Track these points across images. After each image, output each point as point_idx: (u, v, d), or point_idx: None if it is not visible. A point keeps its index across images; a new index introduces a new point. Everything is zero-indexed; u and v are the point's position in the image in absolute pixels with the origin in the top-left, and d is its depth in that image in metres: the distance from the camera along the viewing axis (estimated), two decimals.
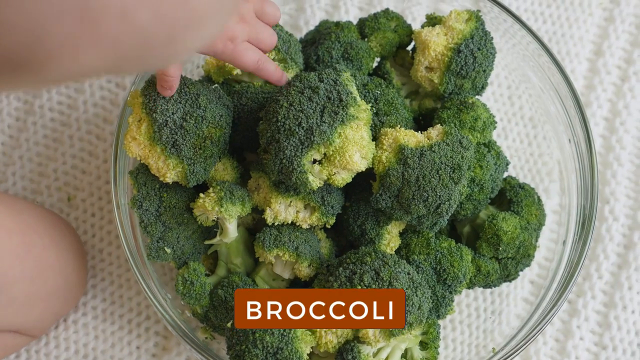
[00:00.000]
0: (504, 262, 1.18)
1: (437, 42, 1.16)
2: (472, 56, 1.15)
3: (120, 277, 1.30)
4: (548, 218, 1.27)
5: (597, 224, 1.34)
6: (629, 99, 1.38)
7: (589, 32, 1.42)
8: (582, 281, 1.31)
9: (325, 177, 1.06)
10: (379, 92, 1.14)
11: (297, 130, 1.03)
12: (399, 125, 1.13)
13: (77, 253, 1.24)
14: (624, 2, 1.42)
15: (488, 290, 1.29)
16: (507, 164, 1.20)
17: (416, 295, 1.07)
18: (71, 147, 1.34)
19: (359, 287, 1.05)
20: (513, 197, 1.20)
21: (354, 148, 1.04)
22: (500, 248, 1.16)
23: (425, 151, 1.07)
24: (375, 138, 1.12)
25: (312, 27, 1.37)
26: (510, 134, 1.36)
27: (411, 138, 1.09)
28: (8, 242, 1.07)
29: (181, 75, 1.10)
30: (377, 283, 1.06)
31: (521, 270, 1.20)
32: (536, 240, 1.20)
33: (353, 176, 1.07)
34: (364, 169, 1.06)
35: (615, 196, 1.34)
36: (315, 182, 1.06)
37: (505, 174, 1.33)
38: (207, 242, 1.14)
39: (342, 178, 1.06)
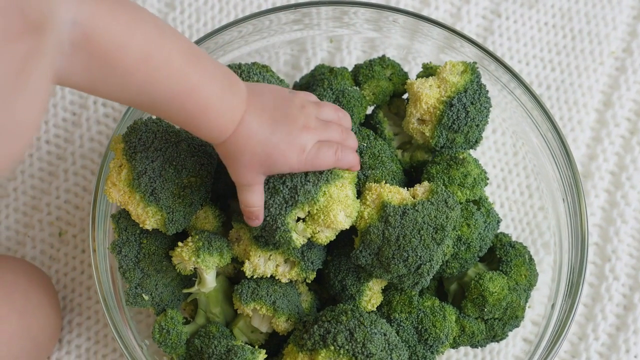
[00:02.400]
0: (490, 322, 1.15)
1: (429, 95, 1.13)
2: (464, 110, 1.12)
3: (106, 316, 1.29)
4: (546, 275, 1.23)
5: (596, 282, 1.30)
6: (637, 152, 1.34)
7: (599, 81, 1.37)
8: (578, 341, 1.27)
9: (309, 235, 1.04)
10: (365, 145, 1.12)
11: (281, 188, 1.02)
12: (384, 180, 1.10)
13: (47, 309, 1.22)
14: (637, 51, 1.38)
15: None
16: (499, 221, 1.17)
17: (391, 358, 1.04)
18: (65, 181, 1.33)
19: (332, 347, 1.03)
20: (503, 256, 1.16)
21: (339, 207, 1.02)
22: (486, 309, 1.13)
23: (408, 209, 1.05)
24: (359, 192, 1.10)
25: (313, 68, 1.35)
26: (511, 185, 1.33)
27: (395, 195, 1.06)
28: None
29: (163, 122, 1.09)
30: (350, 344, 1.03)
31: (509, 330, 1.17)
32: (526, 301, 1.17)
33: (337, 234, 1.05)
34: (347, 227, 1.05)
35: (617, 254, 1.30)
36: (298, 240, 1.04)
37: (503, 226, 1.30)
38: (185, 291, 1.13)
39: (326, 236, 1.04)
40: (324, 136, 1.03)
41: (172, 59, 0.90)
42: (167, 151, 1.06)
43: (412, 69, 1.30)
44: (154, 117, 1.12)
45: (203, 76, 0.93)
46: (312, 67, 1.35)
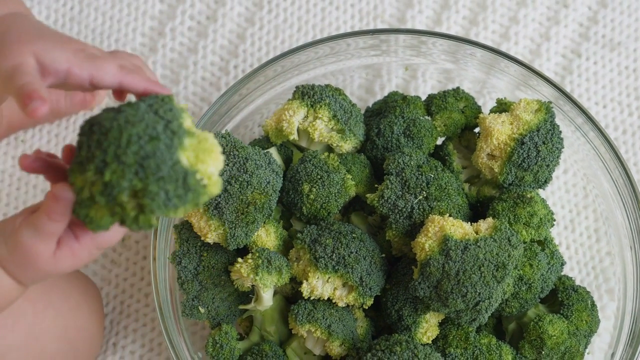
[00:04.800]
0: None
1: (500, 131, 1.12)
2: (535, 149, 1.11)
3: (161, 325, 1.29)
4: (609, 322, 1.21)
5: None
6: None
7: None
8: None
9: None
10: (432, 176, 1.11)
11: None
12: (448, 214, 1.09)
13: (87, 313, 1.22)
14: None
15: None
16: (563, 264, 1.15)
17: None
18: None
19: None
20: (564, 300, 1.14)
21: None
22: (543, 352, 1.11)
23: (470, 245, 1.04)
24: (422, 224, 1.09)
25: (386, 93, 1.35)
26: (578, 228, 1.31)
27: (458, 229, 1.05)
28: None
29: (232, 137, 1.09)
30: None
31: None
32: (585, 347, 1.14)
33: None
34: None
35: None
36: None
37: (567, 269, 1.28)
38: (241, 307, 1.13)
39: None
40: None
41: None
42: (234, 167, 1.06)
43: (487, 103, 1.29)
44: (222, 132, 1.12)
45: None
46: (385, 93, 1.35)
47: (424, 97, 1.24)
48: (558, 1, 1.40)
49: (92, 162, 0.78)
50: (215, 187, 0.81)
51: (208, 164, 0.81)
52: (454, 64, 1.25)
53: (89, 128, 0.79)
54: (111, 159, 0.77)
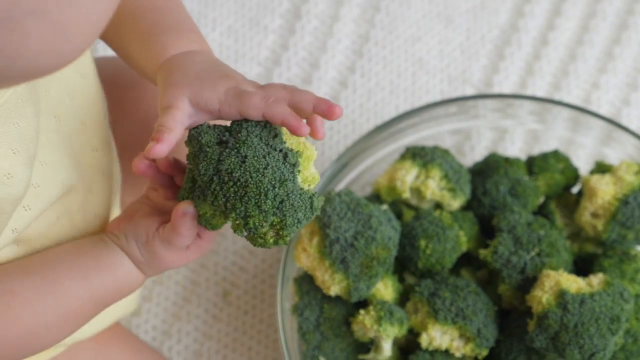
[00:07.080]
0: None
1: (605, 191, 1.18)
2: (639, 208, 1.18)
3: None
4: None
5: None
6: None
7: None
8: None
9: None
10: (542, 233, 1.17)
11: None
12: (561, 269, 1.15)
13: None
14: None
15: None
16: None
17: None
18: (234, 243, 1.39)
19: None
20: None
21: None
22: None
23: (586, 299, 1.10)
24: (536, 279, 1.15)
25: (477, 154, 1.41)
26: None
27: (573, 284, 1.11)
28: None
29: (354, 195, 1.14)
30: None
31: None
32: None
33: None
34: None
35: None
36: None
37: None
38: (361, 357, 1.18)
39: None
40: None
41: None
42: (359, 224, 1.12)
43: (574, 161, 1.36)
44: (344, 190, 1.18)
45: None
46: (476, 154, 1.41)
47: (512, 158, 1.30)
48: (635, 68, 1.47)
49: (233, 210, 0.86)
50: (317, 183, 0.91)
51: (310, 168, 0.90)
52: (541, 124, 1.32)
53: (214, 169, 0.87)
54: (253, 210, 0.85)
